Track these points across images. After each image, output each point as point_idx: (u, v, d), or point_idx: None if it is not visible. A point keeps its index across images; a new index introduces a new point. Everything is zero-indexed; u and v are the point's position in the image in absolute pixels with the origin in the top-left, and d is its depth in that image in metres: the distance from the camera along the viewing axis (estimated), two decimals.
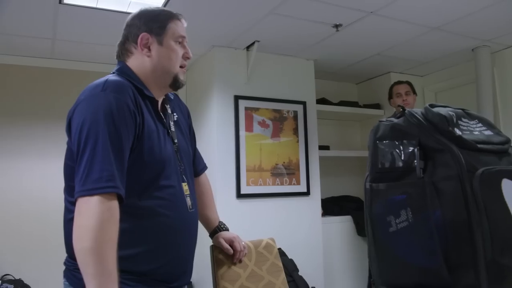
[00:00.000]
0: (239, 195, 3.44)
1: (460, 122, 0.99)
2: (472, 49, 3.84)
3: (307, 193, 3.73)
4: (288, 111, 3.76)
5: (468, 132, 0.97)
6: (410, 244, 0.89)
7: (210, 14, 2.99)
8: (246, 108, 3.59)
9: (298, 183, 3.70)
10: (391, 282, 0.94)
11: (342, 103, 4.33)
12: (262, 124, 3.63)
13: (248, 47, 3.63)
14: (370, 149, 1.02)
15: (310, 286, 3.34)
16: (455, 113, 1.02)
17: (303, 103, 3.85)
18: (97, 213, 1.16)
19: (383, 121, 1.04)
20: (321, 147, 4.00)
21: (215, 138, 3.47)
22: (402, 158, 0.94)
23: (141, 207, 1.33)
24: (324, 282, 3.68)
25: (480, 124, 1.04)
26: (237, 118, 3.53)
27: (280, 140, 3.68)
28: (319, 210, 3.80)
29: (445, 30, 3.39)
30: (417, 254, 0.87)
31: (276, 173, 3.61)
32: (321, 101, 4.16)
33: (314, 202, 3.77)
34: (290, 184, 3.66)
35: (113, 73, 1.45)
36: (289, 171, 3.67)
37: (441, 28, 3.36)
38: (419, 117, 0.97)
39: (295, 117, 3.79)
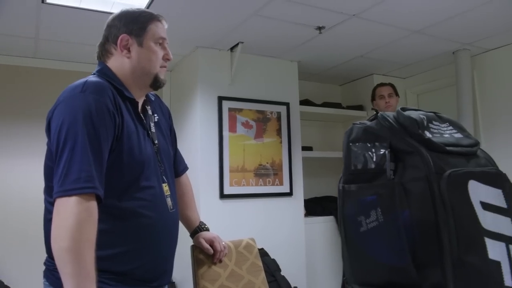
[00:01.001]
0: (222, 196, 3.45)
1: (430, 125, 1.02)
2: (453, 52, 3.90)
3: (290, 194, 3.75)
4: (271, 112, 3.79)
5: (439, 135, 0.99)
6: (380, 243, 0.91)
7: (194, 15, 2.99)
8: (230, 109, 3.61)
9: (281, 183, 3.72)
10: (363, 280, 0.97)
11: (325, 105, 4.37)
12: (246, 125, 3.65)
13: (232, 48, 3.65)
14: (343, 151, 1.05)
15: (292, 285, 3.36)
16: (426, 116, 1.05)
17: (287, 104, 3.88)
18: (75, 213, 1.16)
19: (356, 123, 1.06)
20: (304, 148, 4.03)
21: (198, 138, 3.48)
22: (374, 160, 0.97)
23: (121, 208, 1.34)
24: (307, 281, 3.71)
25: (451, 127, 1.06)
26: (220, 119, 3.55)
27: (264, 141, 3.70)
28: (302, 210, 3.83)
29: (427, 33, 3.44)
30: (386, 253, 0.90)
31: (259, 174, 3.63)
32: (304, 102, 4.19)
33: (297, 202, 3.80)
34: (273, 184, 3.68)
35: (94, 74, 1.46)
36: (272, 172, 3.70)
37: (422, 31, 3.41)
38: (391, 120, 0.99)
39: (279, 118, 3.82)
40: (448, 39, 3.61)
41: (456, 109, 3.84)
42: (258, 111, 3.73)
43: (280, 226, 3.66)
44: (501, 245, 0.90)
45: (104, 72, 1.45)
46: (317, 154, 4.22)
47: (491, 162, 1.08)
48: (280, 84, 3.91)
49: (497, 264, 0.88)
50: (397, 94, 3.69)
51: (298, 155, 3.89)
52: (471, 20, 3.21)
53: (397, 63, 4.22)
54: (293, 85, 3.99)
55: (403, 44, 3.68)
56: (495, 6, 2.99)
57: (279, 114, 3.83)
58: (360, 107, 4.46)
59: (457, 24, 3.29)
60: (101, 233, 1.23)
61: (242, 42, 3.52)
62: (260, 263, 1.78)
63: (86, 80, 1.35)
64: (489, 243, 0.87)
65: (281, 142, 3.79)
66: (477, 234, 0.88)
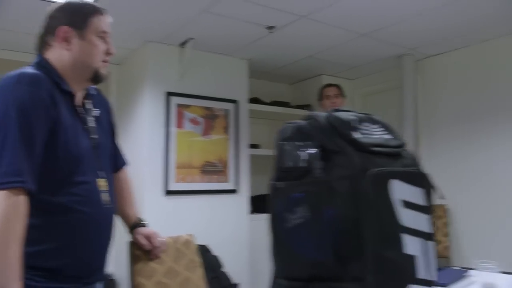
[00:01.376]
0: (168, 192, 3.44)
1: (361, 126, 1.06)
2: (398, 56, 4.03)
3: (235, 191, 3.78)
4: (220, 109, 3.79)
5: (368, 136, 1.03)
6: (305, 239, 0.94)
7: (143, 9, 2.96)
8: (178, 105, 3.59)
9: (227, 180, 3.74)
10: (289, 275, 0.99)
11: (274, 103, 4.41)
12: (194, 121, 3.64)
13: (182, 44, 3.63)
14: (275, 149, 1.07)
15: (235, 282, 3.38)
16: (358, 117, 1.09)
17: (235, 102, 3.90)
18: (1, 208, 1.13)
19: (289, 122, 1.09)
20: (252, 146, 4.06)
21: (144, 134, 3.44)
22: (304, 158, 1.00)
23: (54, 203, 1.31)
24: (250, 278, 3.74)
25: (381, 129, 1.11)
26: (168, 115, 3.53)
27: (211, 138, 3.71)
28: (247, 207, 3.86)
29: (373, 37, 3.55)
30: (311, 249, 0.92)
31: (206, 171, 3.63)
32: (254, 100, 4.21)
33: (242, 199, 3.83)
34: (219, 181, 3.69)
35: (31, 66, 1.41)
36: (218, 169, 3.70)
37: (369, 35, 3.51)
38: (322, 121, 1.03)
39: (227, 116, 3.83)
40: (394, 44, 3.73)
41: (401, 112, 3.99)
42: (207, 108, 3.72)
43: (224, 223, 3.67)
44: (418, 241, 0.95)
45: (42, 64, 1.41)
46: (265, 152, 4.25)
47: (415, 162, 1.13)
48: (230, 81, 3.92)
49: (413, 258, 0.92)
50: (343, 95, 3.77)
51: (245, 153, 3.91)
52: (414, 26, 3.34)
53: (345, 65, 4.32)
54: (243, 83, 4.01)
55: (351, 47, 3.77)
56: (438, 14, 3.12)
57: (227, 111, 3.84)
58: (308, 107, 4.53)
59: (401, 29, 3.41)
60: (31, 229, 1.21)
61: (193, 38, 3.51)
62: (198, 259, 1.79)
63: (22, 71, 1.31)
64: (406, 238, 0.92)
65: (228, 140, 3.81)
66: (395, 231, 0.92)
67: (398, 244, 0.89)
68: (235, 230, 3.73)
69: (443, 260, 3.56)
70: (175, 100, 3.58)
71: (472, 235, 3.64)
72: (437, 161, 3.92)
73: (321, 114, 1.07)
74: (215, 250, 3.47)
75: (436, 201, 3.57)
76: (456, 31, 3.48)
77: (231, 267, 3.48)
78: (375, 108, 4.53)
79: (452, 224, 3.75)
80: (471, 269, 1.82)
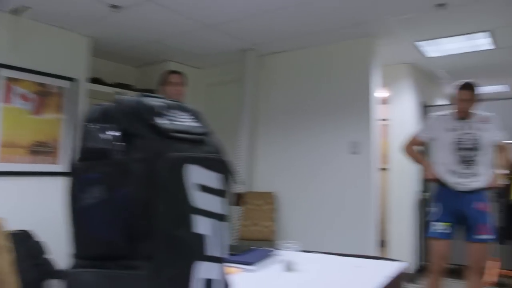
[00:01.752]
0: None
1: (167, 113, 1.10)
2: (242, 50, 4.21)
3: (66, 173, 3.60)
4: (55, 87, 3.57)
5: (172, 122, 1.07)
6: (97, 219, 0.96)
7: None
8: (7, 78, 3.30)
9: (58, 162, 3.55)
10: (83, 254, 1.01)
11: (117, 85, 4.30)
12: (24, 97, 3.38)
13: (14, 12, 3.33)
14: (80, 130, 1.07)
15: (60, 268, 3.23)
16: (167, 104, 1.12)
17: (73, 80, 3.71)
18: None
19: (98, 105, 1.10)
20: None
21: None
22: (105, 140, 1.01)
23: None
24: None
25: (190, 117, 1.16)
26: None
27: (43, 116, 3.48)
28: None
29: (219, 29, 3.65)
30: (103, 229, 0.95)
31: (35, 151, 3.41)
32: (95, 80, 4.06)
33: None
34: (49, 163, 3.49)
35: None
36: (49, 150, 3.50)
37: (215, 27, 3.60)
38: (128, 105, 1.05)
39: (62, 94, 3.62)
40: (239, 38, 3.89)
41: (242, 103, 4.18)
42: (40, 84, 3.49)
43: (52, 207, 3.47)
44: (210, 221, 1.03)
45: None
46: None
47: (218, 150, 1.21)
48: (69, 58, 3.72)
49: (203, 237, 1.01)
50: (186, 84, 3.82)
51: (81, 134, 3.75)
52: (259, 23, 3.52)
53: (192, 53, 4.38)
54: (83, 61, 3.84)
55: (197, 36, 3.84)
56: (281, 15, 3.34)
57: (64, 89, 3.64)
58: (151, 91, 4.48)
59: (247, 25, 3.57)
60: None
61: (29, 7, 3.24)
62: (7, 244, 1.68)
63: None
64: (198, 219, 0.99)
65: (62, 119, 3.61)
66: (186, 212, 0.99)
67: (188, 224, 0.96)
68: (64, 215, 3.55)
69: (268, 243, 3.83)
70: (3, 73, 3.28)
71: (295, 220, 3.99)
72: (271, 150, 4.21)
73: (128, 98, 1.09)
74: (42, 236, 3.27)
75: (249, 187, 3.83)
76: (295, 34, 3.76)
77: (59, 253, 3.32)
78: (219, 98, 4.68)
79: (278, 210, 4.05)
80: (277, 249, 2.00)
